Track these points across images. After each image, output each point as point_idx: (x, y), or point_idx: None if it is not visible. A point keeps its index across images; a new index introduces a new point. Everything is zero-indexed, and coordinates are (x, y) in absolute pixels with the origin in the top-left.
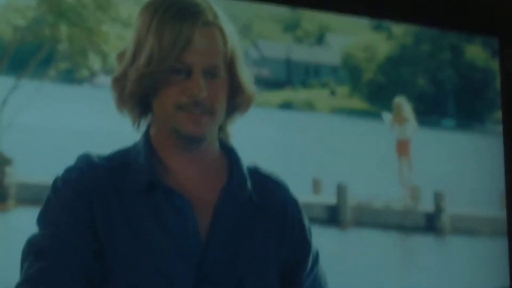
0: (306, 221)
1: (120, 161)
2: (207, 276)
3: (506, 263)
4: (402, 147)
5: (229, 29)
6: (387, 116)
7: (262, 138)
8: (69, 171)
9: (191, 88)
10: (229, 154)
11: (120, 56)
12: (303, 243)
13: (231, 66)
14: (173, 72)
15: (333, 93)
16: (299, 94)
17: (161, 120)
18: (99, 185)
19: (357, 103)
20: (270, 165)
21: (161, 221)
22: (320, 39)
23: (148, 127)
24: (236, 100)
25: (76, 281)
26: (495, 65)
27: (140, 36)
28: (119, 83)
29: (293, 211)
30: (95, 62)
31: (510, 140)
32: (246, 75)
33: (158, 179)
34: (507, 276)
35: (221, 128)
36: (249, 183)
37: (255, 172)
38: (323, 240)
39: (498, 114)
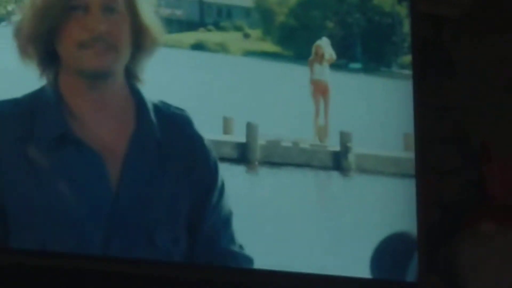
0: (213, 155)
1: (26, 107)
2: (117, 229)
3: (413, 204)
4: (321, 88)
5: None
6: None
7: (174, 78)
8: None
9: (90, 23)
10: (137, 98)
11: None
12: (210, 174)
13: (130, 2)
14: (71, 9)
15: (246, 36)
16: (212, 36)
17: (67, 63)
18: None
19: (269, 46)
20: (181, 105)
21: (70, 175)
22: None
23: (56, 74)
24: (141, 40)
25: None
26: (402, 10)
27: None
28: (19, 30)
29: (200, 146)
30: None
31: (419, 83)
32: (150, 15)
33: (69, 132)
34: (415, 217)
35: (130, 71)
36: (157, 129)
37: (161, 109)
38: (233, 178)
39: (404, 59)
